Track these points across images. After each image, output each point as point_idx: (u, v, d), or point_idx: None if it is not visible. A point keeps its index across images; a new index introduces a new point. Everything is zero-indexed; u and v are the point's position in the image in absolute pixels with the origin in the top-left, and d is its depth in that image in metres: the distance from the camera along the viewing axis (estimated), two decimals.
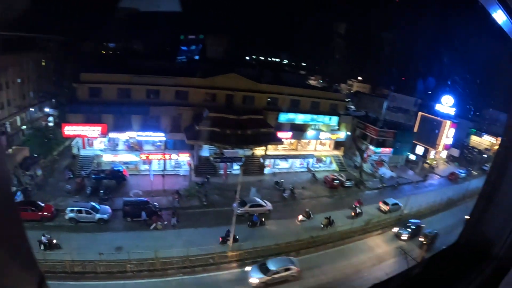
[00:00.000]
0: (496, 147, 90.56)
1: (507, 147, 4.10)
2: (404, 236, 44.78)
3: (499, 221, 4.16)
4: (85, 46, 72.03)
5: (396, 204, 53.42)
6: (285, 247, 38.44)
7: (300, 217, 45.87)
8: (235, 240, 37.60)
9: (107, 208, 38.94)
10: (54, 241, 32.86)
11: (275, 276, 32.94)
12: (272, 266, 33.38)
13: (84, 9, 70.99)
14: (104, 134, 48.89)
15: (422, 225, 46.98)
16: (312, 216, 46.31)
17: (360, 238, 43.91)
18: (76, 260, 29.89)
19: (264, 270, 33.05)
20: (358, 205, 50.80)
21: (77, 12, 71.01)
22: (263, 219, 43.68)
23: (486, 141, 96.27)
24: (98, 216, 37.07)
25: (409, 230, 45.51)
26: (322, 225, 44.38)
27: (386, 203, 53.29)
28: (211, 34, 66.13)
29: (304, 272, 34.89)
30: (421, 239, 43.62)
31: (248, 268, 33.71)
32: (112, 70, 51.76)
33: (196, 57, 61.18)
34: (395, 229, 46.19)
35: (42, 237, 32.09)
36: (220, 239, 37.68)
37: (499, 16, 1.89)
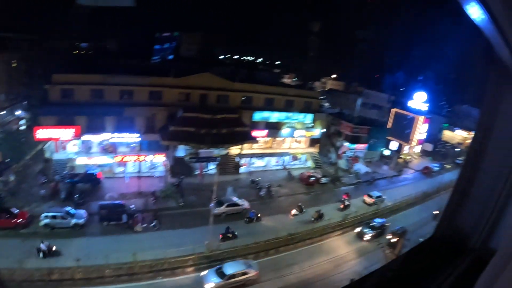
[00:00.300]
0: (468, 141, 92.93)
1: (479, 142, 4.26)
2: (367, 236, 44.57)
3: (474, 215, 4.33)
4: (57, 46, 70.71)
5: (380, 196, 56.13)
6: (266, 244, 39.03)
7: (294, 211, 47.41)
8: (233, 236, 39.00)
9: (82, 212, 38.18)
10: (54, 248, 32.53)
11: (232, 280, 32.43)
12: (228, 270, 32.88)
13: (54, 7, 69.84)
14: (77, 136, 47.81)
15: (387, 224, 46.89)
16: (304, 210, 47.99)
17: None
18: (54, 268, 29.52)
19: (220, 274, 32.52)
20: (346, 198, 52.67)
21: (48, 11, 69.81)
22: (259, 215, 44.58)
23: (458, 136, 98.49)
24: (73, 221, 36.42)
25: (373, 229, 45.27)
26: (312, 218, 45.87)
27: (370, 196, 55.75)
28: (185, 33, 65.84)
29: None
30: (389, 237, 43.86)
31: (204, 273, 33.35)
32: (84, 70, 50.93)
33: (170, 57, 60.71)
34: (358, 229, 45.79)
35: (41, 245, 31.72)
36: (220, 236, 39.06)
37: (474, 11, 1.94)
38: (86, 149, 50.60)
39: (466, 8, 1.95)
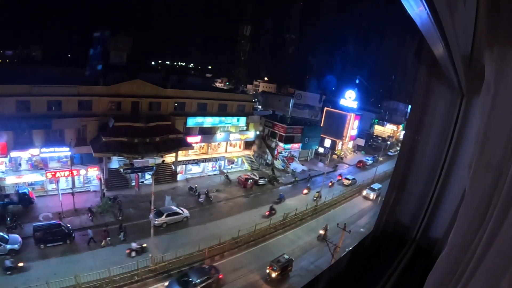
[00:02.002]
0: (398, 134, 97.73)
1: (411, 137, 4.46)
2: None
3: (412, 207, 4.56)
4: None
5: (354, 179, 70.56)
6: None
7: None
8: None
9: (16, 237, 35.96)
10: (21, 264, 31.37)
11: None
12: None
13: None
14: (4, 153, 44.76)
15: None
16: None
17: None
18: None
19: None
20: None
21: None
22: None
23: (388, 129, 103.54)
24: (8, 247, 34.06)
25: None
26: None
27: (347, 179, 69.76)
28: (113, 38, 63.96)
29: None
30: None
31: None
32: (9, 80, 48.01)
33: (100, 64, 58.89)
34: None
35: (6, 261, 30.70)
36: (267, 213, 48.93)
37: (411, 3, 1.89)
38: (15, 166, 47.56)
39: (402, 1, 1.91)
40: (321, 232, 46.09)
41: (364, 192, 64.36)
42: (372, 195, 62.77)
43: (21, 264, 31.98)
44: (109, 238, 38.68)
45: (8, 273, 30.69)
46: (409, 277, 3.77)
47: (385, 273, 3.83)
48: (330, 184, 66.10)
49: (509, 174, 1.72)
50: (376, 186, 65.16)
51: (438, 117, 4.08)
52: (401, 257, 4.17)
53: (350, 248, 4.95)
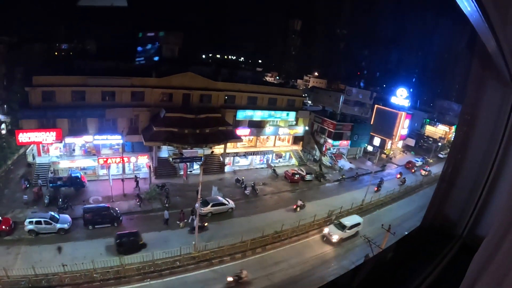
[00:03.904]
0: (450, 136, 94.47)
1: (463, 133, 4.37)
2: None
3: (460, 204, 4.45)
4: (36, 47, 69.57)
5: (429, 170, 74.06)
6: None
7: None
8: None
9: (67, 217, 37.70)
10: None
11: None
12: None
13: (33, 8, 68.82)
14: (59, 139, 47.07)
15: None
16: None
17: None
18: (40, 274, 29.18)
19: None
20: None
21: (26, 12, 68.76)
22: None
23: (440, 130, 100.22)
24: (58, 226, 35.81)
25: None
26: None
27: (425, 170, 74.03)
28: (166, 33, 65.23)
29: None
30: None
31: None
32: (65, 72, 49.84)
33: (152, 56, 60.19)
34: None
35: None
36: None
37: (462, 1, 1.96)
38: (69, 152, 49.90)
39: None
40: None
41: (326, 230, 44.31)
42: (336, 237, 42.95)
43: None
44: (186, 221, 40.59)
45: None
46: (452, 273, 3.75)
47: (428, 267, 3.82)
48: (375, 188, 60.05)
49: None
50: (351, 220, 45.93)
51: (491, 112, 3.99)
52: (446, 253, 4.14)
53: (396, 240, 4.90)
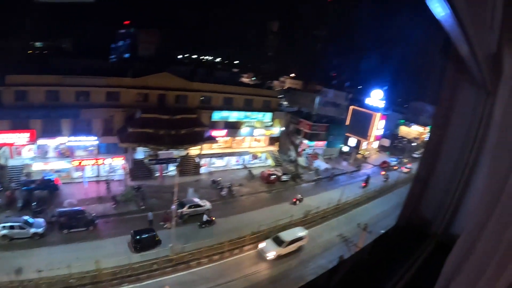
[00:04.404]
0: (424, 136, 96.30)
1: (437, 134, 4.51)
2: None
3: (435, 203, 4.58)
4: (9, 45, 67.95)
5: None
6: None
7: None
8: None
9: (41, 221, 36.88)
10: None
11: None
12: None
13: (5, 5, 67.30)
14: (32, 141, 46.07)
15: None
16: None
17: None
18: (15, 281, 28.63)
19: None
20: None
21: None
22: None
23: (414, 131, 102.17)
24: (32, 230, 35.04)
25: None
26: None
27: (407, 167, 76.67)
28: (142, 32, 64.74)
29: None
30: None
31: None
32: (39, 71, 48.86)
33: (127, 55, 59.62)
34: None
35: None
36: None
37: (435, 5, 2.01)
38: (43, 154, 48.69)
39: (428, 1, 2.03)
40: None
41: (261, 245, 39.86)
42: (272, 253, 38.54)
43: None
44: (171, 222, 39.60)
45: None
46: (427, 270, 3.80)
47: (403, 266, 3.91)
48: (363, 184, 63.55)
49: None
50: (292, 234, 41.22)
51: (464, 114, 4.15)
52: (422, 251, 4.24)
53: (373, 239, 5.00)
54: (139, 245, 36.00)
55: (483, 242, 2.02)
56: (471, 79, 3.73)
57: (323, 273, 4.07)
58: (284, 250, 39.07)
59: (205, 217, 43.63)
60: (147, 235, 37.00)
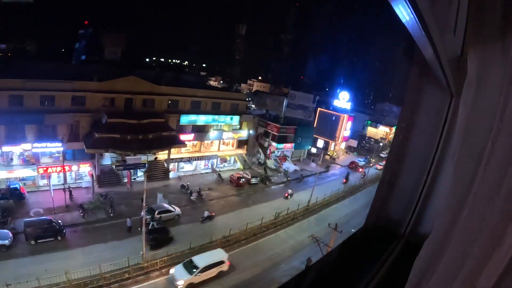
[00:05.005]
0: (391, 136, 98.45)
1: (402, 136, 4.60)
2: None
3: (401, 204, 4.68)
4: None
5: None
6: None
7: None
8: None
9: (7, 232, 35.74)
10: None
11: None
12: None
13: None
14: None
15: None
16: None
17: None
18: None
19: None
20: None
21: None
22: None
23: (381, 131, 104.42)
24: None
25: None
26: None
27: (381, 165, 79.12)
28: (108, 34, 63.65)
29: None
30: None
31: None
32: (2, 74, 47.51)
33: (94, 59, 58.49)
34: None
35: None
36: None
37: (400, 9, 2.02)
38: (6, 161, 47.19)
39: (393, 6, 2.03)
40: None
41: (172, 271, 34.68)
42: (181, 282, 32.99)
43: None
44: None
45: None
46: (397, 271, 3.81)
47: (373, 267, 3.92)
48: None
49: (489, 163, 1.81)
50: (208, 257, 35.88)
51: (428, 116, 4.23)
52: (390, 252, 4.28)
53: (341, 242, 5.07)
54: (154, 243, 38.40)
55: (452, 243, 2.07)
56: (436, 81, 3.82)
57: (291, 278, 4.11)
58: (196, 279, 33.66)
59: (206, 213, 46.46)
60: (161, 233, 40.05)
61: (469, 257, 1.79)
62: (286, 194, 57.04)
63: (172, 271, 34.63)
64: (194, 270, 33.73)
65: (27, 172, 47.60)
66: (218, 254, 36.93)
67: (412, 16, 1.97)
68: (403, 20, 2.15)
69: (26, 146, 46.90)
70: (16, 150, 47.29)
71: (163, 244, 38.69)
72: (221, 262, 35.99)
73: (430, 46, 2.33)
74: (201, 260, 34.98)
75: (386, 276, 3.80)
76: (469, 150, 2.10)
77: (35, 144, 47.18)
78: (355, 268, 4.05)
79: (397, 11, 2.05)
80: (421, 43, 2.52)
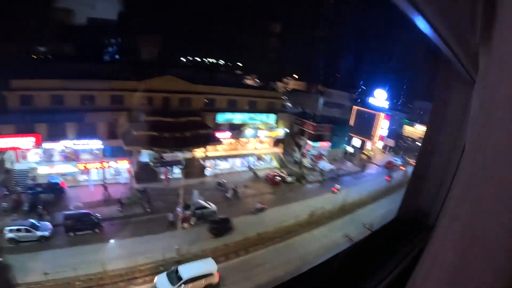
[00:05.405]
0: None
1: (431, 131, 4.77)
2: None
3: (432, 195, 4.73)
4: (13, 49, 67.93)
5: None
6: None
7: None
8: None
9: (47, 224, 37.00)
10: None
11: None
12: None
13: (6, 8, 67.35)
14: (38, 145, 45.95)
15: None
16: None
17: None
18: (21, 284, 28.69)
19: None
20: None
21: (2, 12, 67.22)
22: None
23: (418, 130, 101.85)
24: (39, 233, 35.14)
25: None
26: None
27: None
28: (145, 35, 64.91)
29: None
30: None
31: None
32: (43, 75, 48.96)
33: (132, 59, 59.72)
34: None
35: None
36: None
37: (414, 19, 2.14)
38: (48, 157, 48.82)
39: (408, 16, 2.14)
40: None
41: (156, 279, 31.87)
42: None
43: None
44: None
45: None
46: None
47: (402, 256, 4.01)
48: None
49: (488, 155, 1.78)
50: (196, 268, 32.67)
51: (455, 111, 4.32)
52: (418, 242, 4.29)
53: (373, 231, 5.10)
54: (216, 231, 41.28)
55: (452, 242, 2.02)
56: (460, 78, 3.81)
57: (316, 265, 4.07)
58: None
59: (258, 205, 48.91)
60: (222, 223, 42.53)
61: (468, 255, 1.78)
62: (335, 189, 58.42)
63: (155, 279, 31.89)
64: (177, 282, 30.87)
65: (68, 168, 49.02)
66: (207, 265, 33.62)
67: (429, 29, 2.17)
68: (423, 29, 2.30)
69: (67, 143, 48.43)
70: (57, 147, 48.75)
71: (224, 233, 41.37)
72: (210, 275, 32.59)
73: (448, 49, 2.48)
74: (187, 270, 31.97)
75: (413, 265, 3.82)
76: (476, 145, 2.08)
77: (75, 141, 48.73)
78: (385, 256, 4.11)
79: (417, 23, 2.22)
80: (441, 46, 2.64)
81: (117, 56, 56.43)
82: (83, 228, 37.82)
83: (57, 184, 45.49)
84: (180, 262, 34.45)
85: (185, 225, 40.94)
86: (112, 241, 37.47)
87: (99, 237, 37.62)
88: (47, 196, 43.62)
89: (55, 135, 47.86)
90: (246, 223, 44.05)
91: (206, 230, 41.96)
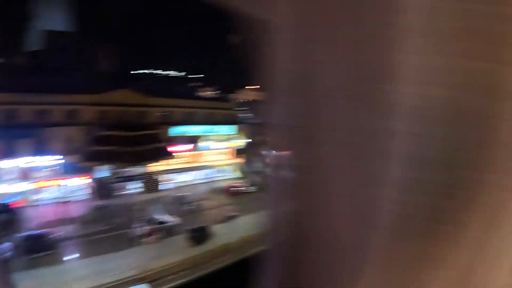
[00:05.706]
0: None
1: None
2: None
3: None
4: None
5: None
6: None
7: None
8: None
9: (4, 246, 35.70)
10: None
11: None
12: None
13: None
14: None
15: None
16: None
17: None
18: None
19: None
20: None
21: None
22: None
23: None
24: None
25: None
26: None
27: None
28: (102, 47, 63.85)
29: None
30: None
31: None
32: None
33: (88, 72, 58.53)
34: None
35: None
36: None
37: None
38: (1, 176, 47.34)
39: None
40: None
41: None
42: None
43: None
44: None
45: None
46: None
47: None
48: None
49: None
50: None
51: None
52: None
53: None
54: (196, 240, 41.38)
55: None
56: None
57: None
58: None
59: (229, 213, 49.63)
60: (201, 231, 42.75)
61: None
62: None
63: None
64: None
65: (23, 186, 47.22)
66: None
67: None
68: None
69: (22, 160, 46.85)
70: (10, 164, 47.01)
71: (204, 241, 41.64)
72: None
73: None
74: None
75: None
76: None
77: (31, 158, 47.19)
78: None
79: None
80: None
81: (73, 69, 55.03)
82: (42, 249, 36.53)
83: (7, 204, 43.59)
84: (143, 279, 34.14)
85: (149, 239, 40.37)
86: (73, 261, 36.52)
87: (61, 257, 36.52)
88: (3, 217, 41.53)
89: (9, 153, 46.05)
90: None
91: (183, 239, 42.07)
